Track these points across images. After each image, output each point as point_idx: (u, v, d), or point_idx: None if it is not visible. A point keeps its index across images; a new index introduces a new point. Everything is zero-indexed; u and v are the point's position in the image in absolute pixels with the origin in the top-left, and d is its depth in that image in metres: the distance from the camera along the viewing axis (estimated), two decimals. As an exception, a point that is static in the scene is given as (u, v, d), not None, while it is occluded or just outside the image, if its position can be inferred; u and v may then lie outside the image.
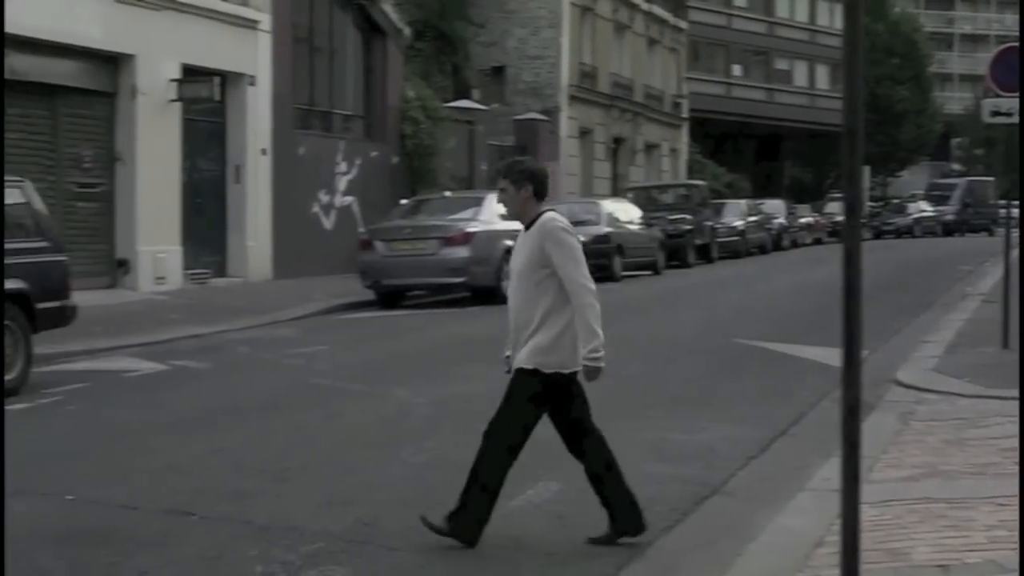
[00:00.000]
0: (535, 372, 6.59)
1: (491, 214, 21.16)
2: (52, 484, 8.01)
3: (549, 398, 6.66)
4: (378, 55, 28.78)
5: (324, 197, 26.53)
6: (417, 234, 20.84)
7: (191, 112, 22.50)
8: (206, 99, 22.31)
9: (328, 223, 26.53)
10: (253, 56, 23.93)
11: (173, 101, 21.78)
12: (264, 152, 24.26)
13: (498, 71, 38.41)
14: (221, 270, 23.69)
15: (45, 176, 19.05)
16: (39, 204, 13.00)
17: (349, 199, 27.33)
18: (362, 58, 28.69)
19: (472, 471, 6.59)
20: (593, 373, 6.57)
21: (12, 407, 11.28)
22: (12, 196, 12.80)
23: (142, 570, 6.13)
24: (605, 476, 6.70)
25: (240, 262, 23.88)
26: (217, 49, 22.81)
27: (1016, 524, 5.79)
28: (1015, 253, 14.48)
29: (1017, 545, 5.37)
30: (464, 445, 8.96)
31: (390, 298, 21.10)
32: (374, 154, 28.26)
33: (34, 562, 6.26)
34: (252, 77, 23.93)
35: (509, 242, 20.66)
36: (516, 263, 6.75)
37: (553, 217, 6.77)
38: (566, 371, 6.62)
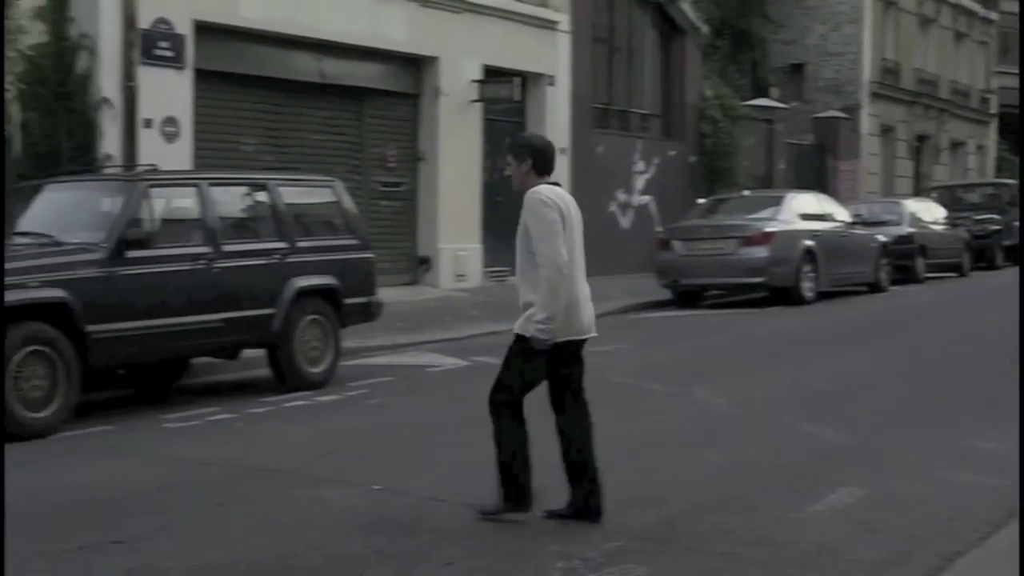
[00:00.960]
0: (524, 339, 6.94)
1: (790, 214, 20.87)
2: (359, 474, 8.25)
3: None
4: (676, 54, 28.67)
5: (621, 196, 26.61)
6: (716, 234, 20.68)
7: (492, 112, 22.86)
8: (506, 99, 22.63)
9: (625, 222, 26.61)
10: (552, 56, 24.17)
11: (474, 101, 22.17)
12: (563, 151, 24.45)
13: (797, 68, 37.77)
14: (520, 268, 23.98)
15: (352, 175, 19.68)
16: (348, 203, 13.43)
17: (646, 198, 27.33)
18: (660, 57, 28.63)
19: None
20: (539, 342, 6.85)
21: (321, 399, 11.72)
22: (324, 195, 13.29)
23: (448, 561, 6.24)
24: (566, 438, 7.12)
25: (538, 260, 24.14)
26: (517, 50, 23.12)
27: None
28: None
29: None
30: (765, 447, 8.88)
31: (688, 297, 21.03)
32: (671, 153, 28.17)
33: (344, 548, 6.45)
34: (551, 77, 24.16)
35: (809, 242, 20.39)
36: (517, 235, 7.08)
37: (537, 190, 6.99)
38: (560, 339, 6.90)
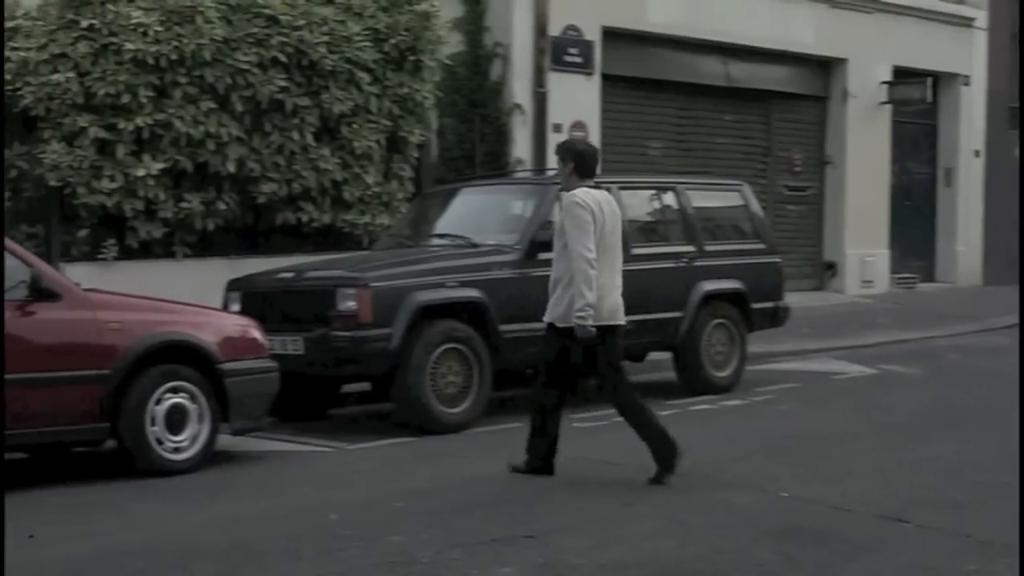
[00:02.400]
0: (551, 326, 8.21)
1: None
2: (766, 480, 8.15)
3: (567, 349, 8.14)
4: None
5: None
6: None
7: (901, 114, 22.21)
8: (918, 101, 21.93)
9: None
10: (968, 55, 23.26)
11: (883, 103, 21.60)
12: (977, 154, 23.54)
13: None
14: (928, 275, 23.23)
15: (758, 179, 19.54)
16: (756, 207, 13.32)
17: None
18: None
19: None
20: (579, 330, 7.93)
21: (726, 403, 11.67)
22: (731, 199, 13.23)
23: (858, 574, 6.08)
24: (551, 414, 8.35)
25: (948, 267, 23.35)
26: (930, 49, 22.37)
27: None
28: None
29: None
30: None
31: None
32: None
33: (751, 555, 6.39)
34: (966, 77, 23.27)
35: None
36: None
37: (574, 193, 8.03)
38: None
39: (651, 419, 8.24)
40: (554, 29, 16.77)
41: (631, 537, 6.73)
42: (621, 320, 8.18)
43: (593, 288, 7.86)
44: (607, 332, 8.08)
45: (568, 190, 8.13)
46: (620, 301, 8.19)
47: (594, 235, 7.92)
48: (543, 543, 6.60)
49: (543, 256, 10.98)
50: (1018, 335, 11.36)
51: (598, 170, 8.44)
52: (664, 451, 8.16)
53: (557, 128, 16.67)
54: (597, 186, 8.20)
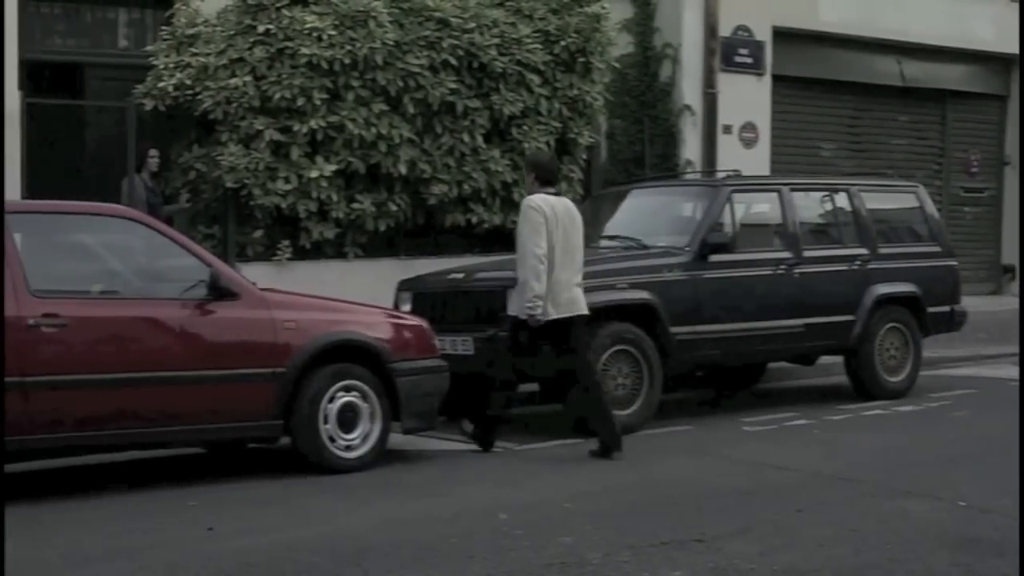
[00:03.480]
0: (514, 319, 9.32)
1: None
2: (942, 488, 7.96)
3: (535, 337, 9.27)
4: None
5: None
6: None
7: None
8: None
9: None
10: None
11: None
12: None
13: None
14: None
15: (933, 180, 19.15)
16: (931, 209, 13.05)
17: None
18: None
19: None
20: (530, 319, 9.09)
21: (900, 408, 11.45)
22: (905, 201, 12.99)
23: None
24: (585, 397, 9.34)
25: None
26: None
27: None
28: None
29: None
30: None
31: None
32: None
33: (927, 564, 6.24)
34: None
35: None
36: None
37: (531, 198, 9.23)
38: (545, 318, 9.12)
39: (607, 407, 9.42)
40: (724, 30, 16.65)
41: (804, 543, 6.63)
42: (580, 311, 9.31)
43: (541, 280, 9.04)
44: (568, 321, 9.23)
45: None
46: (578, 294, 9.33)
47: (546, 235, 9.05)
48: (713, 547, 6.54)
49: (714, 258, 10.95)
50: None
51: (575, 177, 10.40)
52: (609, 439, 9.23)
53: (727, 129, 16.55)
54: (557, 194, 9.49)
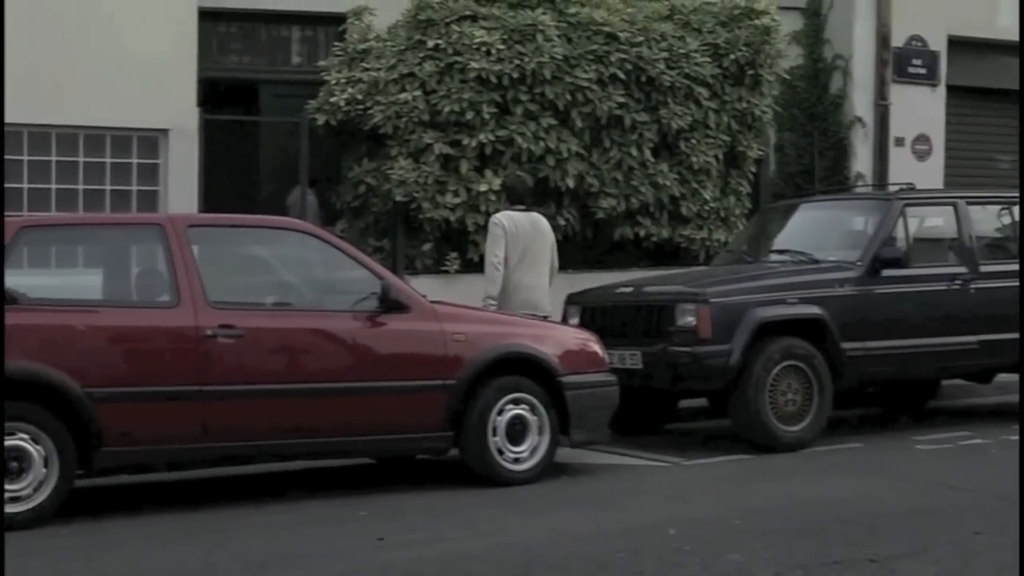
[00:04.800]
0: None
1: None
2: None
3: None
4: None
5: None
6: None
7: None
8: None
9: None
10: None
11: None
12: None
13: None
14: None
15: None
16: None
17: None
18: None
19: None
20: None
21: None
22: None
23: None
24: None
25: None
26: None
27: None
28: None
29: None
30: None
31: None
32: None
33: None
34: None
35: None
36: None
37: (496, 215, 10.72)
38: None
39: None
40: (897, 40, 16.36)
41: (982, 567, 6.45)
42: (535, 311, 10.21)
43: (495, 284, 10.28)
44: None
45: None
46: (537, 296, 10.43)
47: (504, 246, 10.32)
48: (887, 568, 6.41)
49: (887, 273, 10.76)
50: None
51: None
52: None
53: (899, 142, 16.26)
54: (527, 210, 10.70)
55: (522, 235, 10.46)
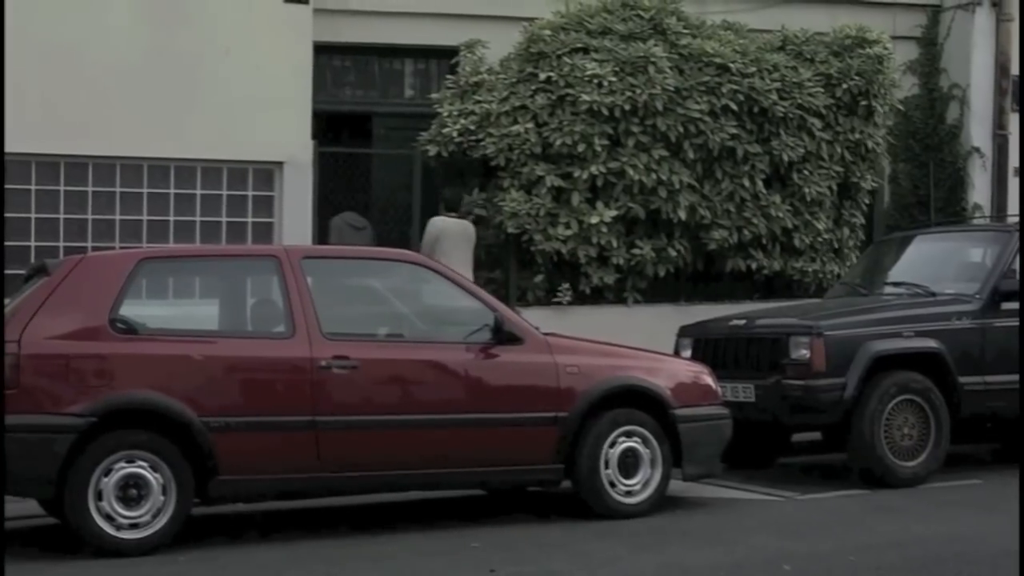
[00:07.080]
0: None
1: None
2: None
3: None
4: None
5: None
6: None
7: None
8: None
9: None
10: None
11: None
12: None
13: None
14: None
15: None
16: None
17: None
18: None
19: None
20: None
21: None
22: None
23: None
24: None
25: None
26: None
27: None
28: None
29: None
30: None
31: None
32: None
33: None
34: None
35: None
36: None
37: (432, 219, 12.48)
38: None
39: None
40: (1016, 68, 16.09)
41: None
42: None
43: None
44: None
45: None
46: None
47: (433, 245, 12.03)
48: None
49: (1006, 306, 10.55)
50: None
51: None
52: None
53: (1018, 172, 15.97)
54: (461, 217, 12.52)
55: (449, 237, 12.27)
